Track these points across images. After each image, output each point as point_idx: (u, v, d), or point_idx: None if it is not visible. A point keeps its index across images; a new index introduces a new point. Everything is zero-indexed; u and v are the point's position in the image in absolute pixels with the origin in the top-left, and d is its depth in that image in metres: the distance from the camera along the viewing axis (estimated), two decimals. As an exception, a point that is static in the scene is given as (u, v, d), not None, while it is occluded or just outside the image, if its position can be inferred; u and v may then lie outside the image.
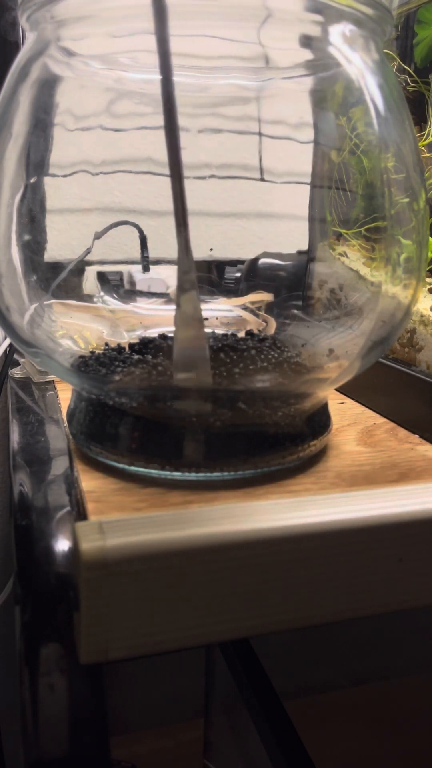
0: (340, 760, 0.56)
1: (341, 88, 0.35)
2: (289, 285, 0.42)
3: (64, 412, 0.38)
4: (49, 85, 0.33)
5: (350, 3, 0.30)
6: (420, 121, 0.44)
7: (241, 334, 0.36)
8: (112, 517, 0.25)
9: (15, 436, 0.37)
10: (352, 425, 0.40)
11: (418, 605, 0.28)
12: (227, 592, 0.25)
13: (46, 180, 0.34)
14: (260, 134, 0.36)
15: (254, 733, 0.41)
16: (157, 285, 0.41)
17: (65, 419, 0.37)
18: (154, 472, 0.31)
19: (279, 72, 0.36)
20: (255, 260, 0.42)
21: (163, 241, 0.41)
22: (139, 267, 0.41)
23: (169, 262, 0.41)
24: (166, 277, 0.41)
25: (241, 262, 0.42)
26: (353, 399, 0.44)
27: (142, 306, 0.41)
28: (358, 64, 0.32)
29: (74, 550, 0.24)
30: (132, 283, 0.42)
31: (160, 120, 0.32)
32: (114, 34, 0.33)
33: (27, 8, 0.31)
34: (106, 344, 0.35)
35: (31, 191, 0.33)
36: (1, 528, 0.67)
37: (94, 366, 0.33)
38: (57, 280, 0.36)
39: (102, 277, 0.40)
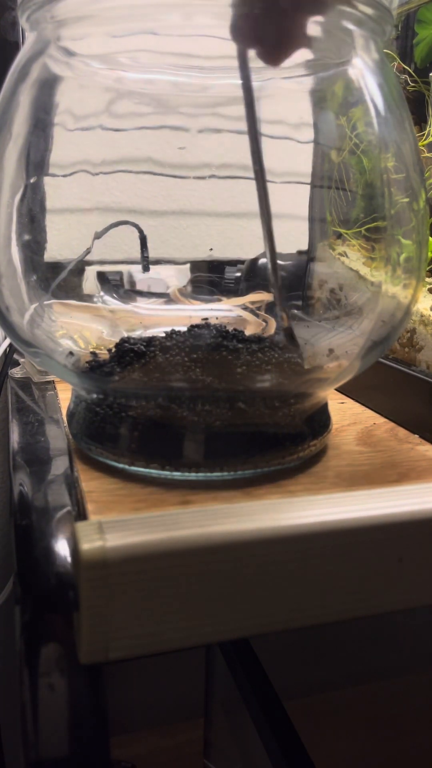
0: (340, 760, 0.56)
1: (341, 88, 0.35)
2: (289, 285, 0.42)
3: (64, 412, 0.38)
4: (49, 85, 0.33)
5: (350, 3, 0.30)
6: (420, 121, 0.44)
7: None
8: (112, 517, 0.25)
9: (15, 436, 0.37)
10: (352, 425, 0.40)
11: (418, 605, 0.28)
12: (227, 592, 0.25)
13: (46, 180, 0.34)
14: (260, 134, 0.36)
15: (254, 733, 0.41)
16: (157, 285, 0.41)
17: (65, 419, 0.37)
18: (154, 472, 0.31)
19: (279, 72, 0.36)
20: (255, 260, 0.42)
21: (163, 241, 0.41)
22: (139, 267, 0.41)
23: (168, 261, 0.41)
24: (166, 276, 0.41)
25: (241, 262, 0.42)
26: (353, 399, 0.44)
27: (142, 306, 0.41)
28: (358, 64, 0.32)
29: (74, 550, 0.24)
30: (132, 283, 0.42)
31: (159, 120, 0.32)
32: (114, 34, 0.33)
33: (27, 8, 0.31)
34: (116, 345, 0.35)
35: (31, 191, 0.33)
36: (1, 528, 0.67)
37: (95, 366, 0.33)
38: (57, 280, 0.36)
39: (102, 277, 0.40)
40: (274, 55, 0.29)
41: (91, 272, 0.39)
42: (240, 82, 0.31)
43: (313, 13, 0.29)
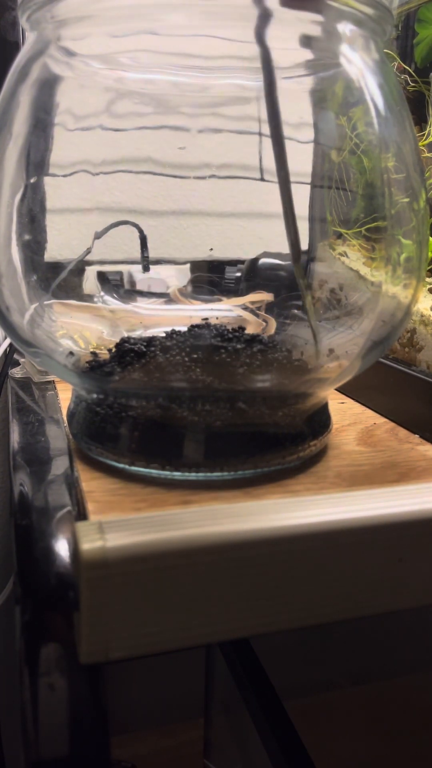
0: (340, 760, 0.56)
1: (341, 87, 0.35)
2: (289, 285, 0.42)
3: (64, 412, 0.38)
4: (49, 85, 0.33)
5: (350, 3, 0.30)
6: (420, 121, 0.44)
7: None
8: (112, 517, 0.25)
9: (15, 436, 0.37)
10: (352, 425, 0.40)
11: (418, 605, 0.28)
12: (227, 592, 0.25)
13: (46, 180, 0.34)
14: (260, 134, 0.36)
15: (254, 733, 0.41)
16: (157, 285, 0.41)
17: (65, 419, 0.37)
18: (154, 472, 0.31)
19: (279, 72, 0.36)
20: (255, 260, 0.42)
21: (163, 241, 0.41)
22: (139, 267, 0.41)
23: (168, 261, 0.41)
24: (166, 276, 0.41)
25: (241, 262, 0.42)
26: (353, 399, 0.44)
27: (142, 306, 0.41)
28: (358, 63, 0.32)
29: (74, 550, 0.24)
30: (132, 282, 0.42)
31: (159, 120, 0.32)
32: (114, 34, 0.33)
33: (27, 8, 0.31)
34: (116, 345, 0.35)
35: (31, 191, 0.33)
36: (1, 528, 0.67)
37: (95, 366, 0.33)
38: (57, 280, 0.36)
39: (102, 277, 0.40)
40: None
41: (91, 272, 0.39)
42: (241, 82, 0.31)
43: None
